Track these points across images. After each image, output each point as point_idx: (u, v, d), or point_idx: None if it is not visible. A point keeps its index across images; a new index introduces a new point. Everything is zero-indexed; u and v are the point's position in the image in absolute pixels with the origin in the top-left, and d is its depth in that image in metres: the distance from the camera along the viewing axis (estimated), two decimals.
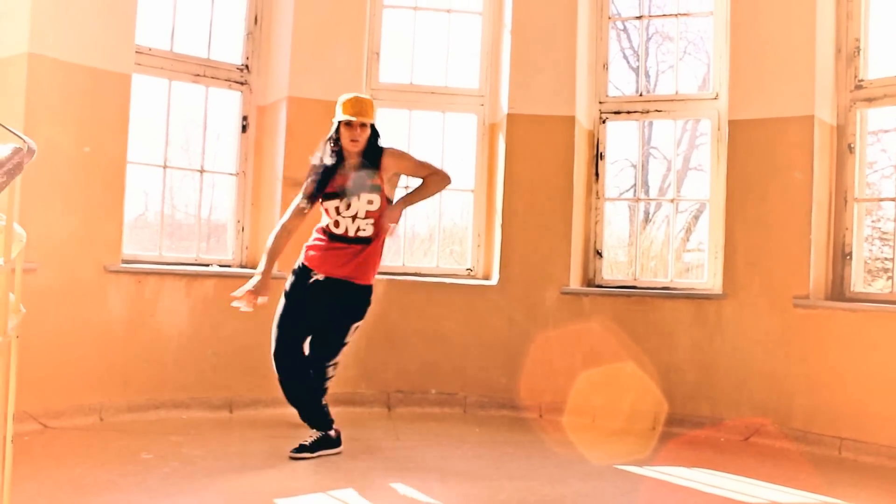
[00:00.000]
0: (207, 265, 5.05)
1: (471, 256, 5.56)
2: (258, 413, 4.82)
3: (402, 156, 4.06)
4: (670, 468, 3.97)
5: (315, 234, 4.07)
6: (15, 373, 2.13)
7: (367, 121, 3.94)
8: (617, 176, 10.77)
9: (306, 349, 4.07)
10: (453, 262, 7.07)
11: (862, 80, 4.74)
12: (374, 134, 4.02)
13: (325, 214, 4.03)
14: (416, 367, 5.19)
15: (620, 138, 6.29)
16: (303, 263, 4.04)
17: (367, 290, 4.03)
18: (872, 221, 9.09)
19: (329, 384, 4.12)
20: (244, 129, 5.26)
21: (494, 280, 5.32)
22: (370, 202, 3.94)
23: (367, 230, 3.96)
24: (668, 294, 5.11)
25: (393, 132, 5.63)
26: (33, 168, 2.34)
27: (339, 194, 3.95)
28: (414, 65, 5.56)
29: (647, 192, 11.36)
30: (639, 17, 5.78)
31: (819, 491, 3.64)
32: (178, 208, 7.20)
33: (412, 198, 4.07)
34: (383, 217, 3.94)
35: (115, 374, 4.49)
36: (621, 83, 12.30)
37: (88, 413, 4.36)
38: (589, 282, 5.41)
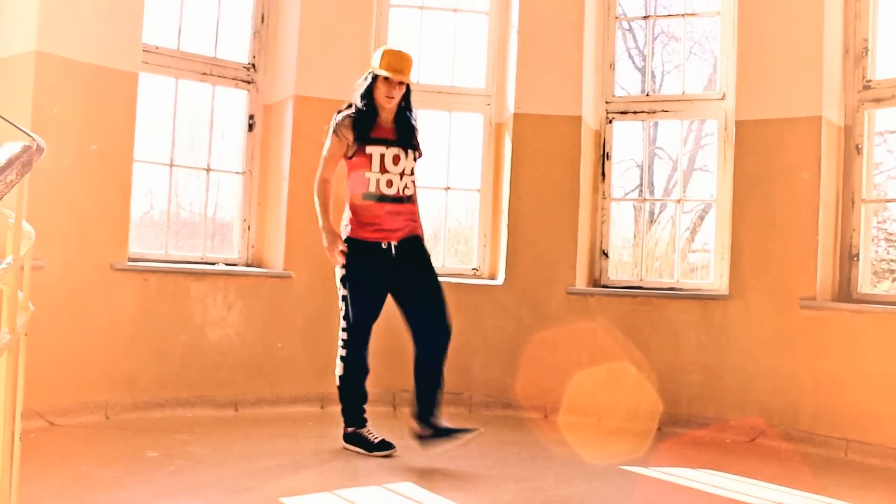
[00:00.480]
0: (213, 263, 5.06)
1: (476, 256, 5.56)
2: (263, 411, 4.82)
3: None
4: (675, 469, 3.97)
5: (355, 205, 3.89)
6: (24, 371, 2.13)
7: (406, 80, 3.82)
8: (622, 176, 10.77)
9: None
10: (458, 261, 7.07)
11: (870, 81, 4.73)
12: (408, 94, 3.93)
13: (364, 169, 3.83)
14: None
15: (626, 138, 6.28)
16: (359, 238, 3.87)
17: (423, 240, 4.03)
18: (878, 222, 9.08)
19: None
20: (251, 127, 5.26)
21: (500, 280, 5.32)
22: (415, 159, 3.94)
23: (410, 189, 3.93)
24: (673, 294, 5.11)
25: None
26: (41, 166, 2.34)
27: (388, 141, 3.86)
28: (420, 64, 5.55)
29: (652, 193, 11.33)
30: (645, 17, 5.77)
31: (825, 493, 3.63)
32: (184, 207, 7.22)
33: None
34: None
35: (121, 372, 4.50)
36: (626, 83, 12.31)
37: (94, 411, 4.37)
38: (595, 282, 5.41)
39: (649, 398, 4.98)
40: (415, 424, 3.89)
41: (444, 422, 3.89)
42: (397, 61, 3.79)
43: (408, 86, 3.87)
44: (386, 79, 3.79)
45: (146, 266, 4.65)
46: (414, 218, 3.96)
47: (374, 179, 3.84)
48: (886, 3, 4.79)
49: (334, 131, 3.91)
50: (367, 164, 3.84)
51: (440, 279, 3.96)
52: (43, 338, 3.95)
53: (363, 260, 3.86)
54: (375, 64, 3.86)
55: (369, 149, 3.83)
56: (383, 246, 3.87)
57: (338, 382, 3.99)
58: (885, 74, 4.71)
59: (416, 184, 4.00)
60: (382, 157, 3.83)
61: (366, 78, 3.91)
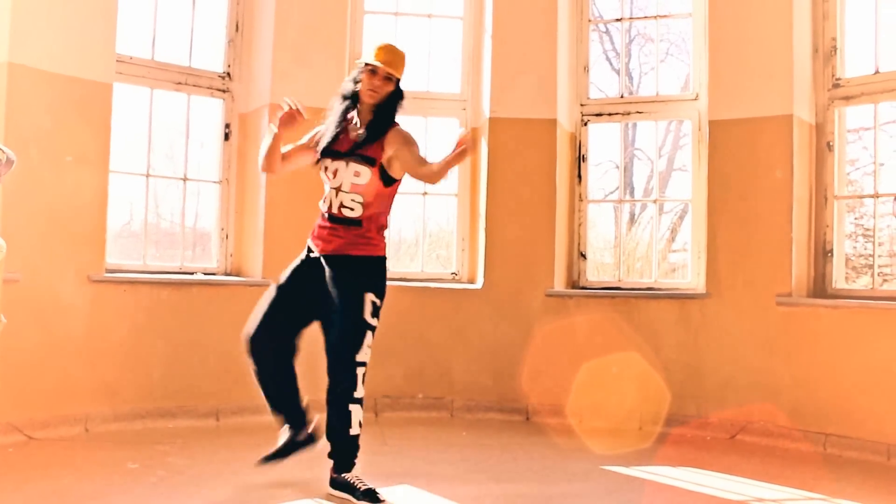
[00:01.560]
0: (192, 273, 5.04)
1: (455, 260, 5.58)
2: (245, 421, 4.80)
3: (407, 140, 3.41)
4: (657, 467, 3.99)
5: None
6: None
7: (394, 74, 3.40)
8: (601, 178, 10.83)
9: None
10: (439, 266, 7.09)
11: (839, 79, 4.79)
12: (398, 95, 3.45)
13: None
14: (403, 372, 5.20)
15: (604, 140, 6.33)
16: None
17: (374, 261, 3.41)
18: (856, 218, 9.17)
19: (358, 394, 3.31)
20: (227, 136, 5.26)
21: (479, 284, 5.33)
22: (357, 174, 3.37)
23: (355, 209, 3.39)
24: (652, 294, 5.14)
25: None
26: (15, 178, 2.34)
27: (332, 153, 3.43)
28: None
29: (631, 194, 11.42)
30: (619, 20, 5.81)
31: (805, 487, 3.67)
32: (164, 217, 7.20)
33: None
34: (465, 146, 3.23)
35: (100, 383, 4.47)
36: (605, 85, 12.40)
37: (73, 423, 4.34)
38: (573, 284, 5.43)
39: (630, 398, 5.01)
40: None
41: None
42: (385, 52, 3.39)
43: (396, 92, 3.45)
44: (371, 71, 3.38)
45: (124, 277, 4.63)
46: (352, 241, 3.40)
47: (324, 194, 3.50)
48: (854, 2, 4.86)
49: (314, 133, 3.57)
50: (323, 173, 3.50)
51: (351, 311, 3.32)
52: (20, 351, 3.93)
53: (296, 261, 3.55)
54: (364, 55, 3.49)
55: (320, 160, 3.49)
56: (310, 253, 3.50)
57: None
58: (854, 73, 4.78)
59: (378, 203, 3.44)
60: (326, 168, 3.46)
61: (354, 73, 3.52)
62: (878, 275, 4.79)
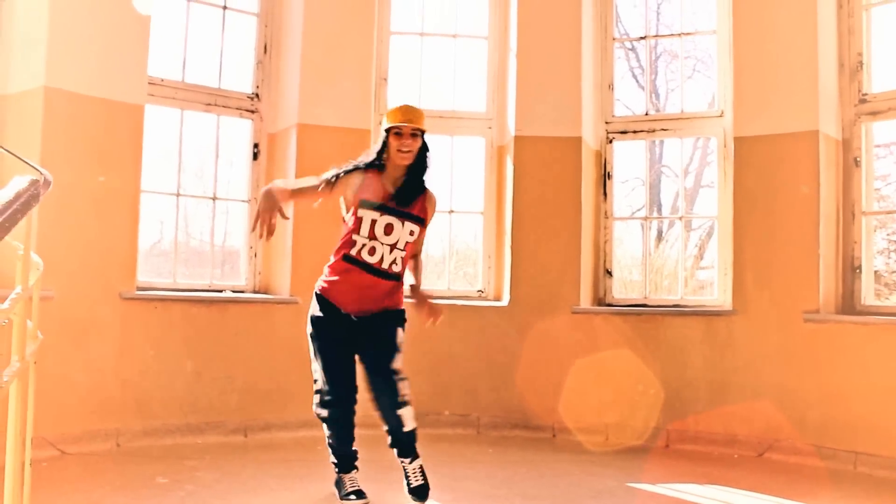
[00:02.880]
0: (221, 291, 5.11)
1: (482, 278, 5.60)
2: (272, 437, 4.85)
3: (434, 206, 3.60)
4: (683, 485, 3.97)
5: (337, 262, 3.48)
6: (33, 398, 2.18)
7: (420, 128, 3.46)
8: (628, 196, 10.80)
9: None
10: (466, 283, 7.11)
11: (866, 94, 4.77)
12: (426, 149, 3.53)
13: (353, 232, 3.42)
14: (429, 389, 5.20)
15: (630, 157, 6.34)
16: (328, 299, 3.48)
17: (402, 311, 3.57)
18: (888, 234, 9.06)
19: (406, 410, 3.41)
20: (255, 156, 5.34)
21: (505, 301, 5.35)
22: (412, 233, 3.46)
23: (399, 266, 3.47)
24: (678, 311, 5.12)
25: None
26: (50, 198, 2.41)
27: (383, 208, 3.41)
28: (422, 89, 5.64)
29: (659, 211, 11.38)
30: (643, 38, 5.84)
31: None
32: (193, 235, 7.29)
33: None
34: (433, 312, 3.51)
35: (131, 399, 4.55)
36: (631, 102, 12.39)
37: (105, 439, 4.41)
38: (599, 301, 5.43)
39: (657, 415, 4.99)
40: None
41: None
42: (404, 111, 3.46)
43: (424, 144, 3.51)
44: (397, 133, 3.44)
45: (154, 295, 4.71)
46: (393, 293, 3.50)
47: (359, 246, 3.42)
48: (879, 18, 4.84)
49: (331, 178, 3.48)
50: (356, 222, 3.43)
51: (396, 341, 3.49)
52: (53, 367, 4.00)
53: (326, 318, 3.49)
54: (384, 123, 3.53)
55: (362, 211, 3.41)
56: (343, 313, 3.47)
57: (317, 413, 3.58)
58: (881, 88, 4.76)
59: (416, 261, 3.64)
60: (374, 222, 3.40)
61: (379, 141, 3.55)
62: None
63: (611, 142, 5.52)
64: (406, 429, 3.42)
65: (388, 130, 3.46)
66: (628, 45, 10.94)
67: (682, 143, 5.88)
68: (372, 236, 3.40)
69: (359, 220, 3.41)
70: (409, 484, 3.45)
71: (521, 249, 5.32)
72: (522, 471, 4.24)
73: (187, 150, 5.23)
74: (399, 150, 3.43)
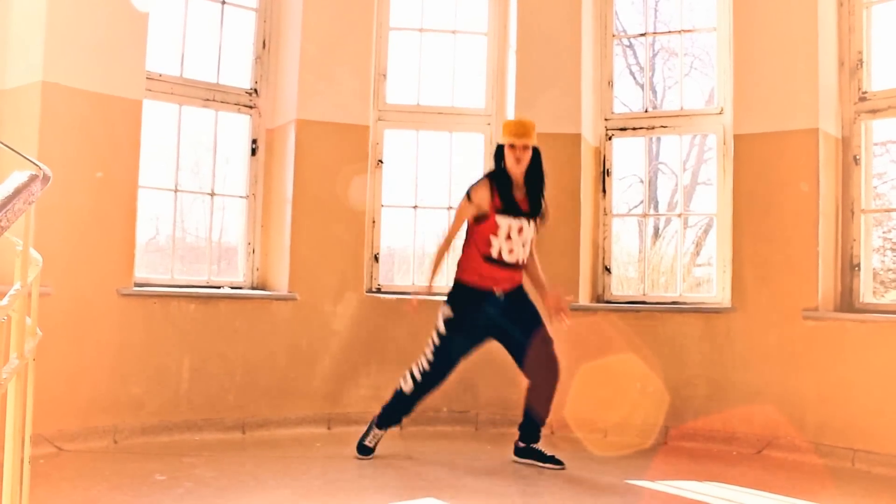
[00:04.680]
0: (219, 287, 5.10)
1: None
2: (271, 433, 4.84)
3: (548, 212, 4.33)
4: (683, 482, 3.97)
5: (474, 258, 4.21)
6: (32, 396, 2.17)
7: (529, 142, 4.16)
8: (625, 192, 10.80)
9: None
10: None
11: (866, 92, 4.77)
12: (537, 156, 4.22)
13: (491, 235, 4.16)
14: None
15: (628, 154, 6.33)
16: (473, 286, 4.21)
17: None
18: (884, 232, 9.07)
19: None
20: (253, 152, 5.32)
21: None
22: (535, 230, 4.26)
23: (524, 256, 4.26)
24: (676, 308, 5.12)
25: (400, 153, 5.69)
26: (48, 194, 2.39)
27: (518, 212, 4.18)
28: (420, 86, 5.62)
29: (656, 208, 11.38)
30: (643, 35, 5.83)
31: (833, 503, 3.63)
32: (189, 231, 7.27)
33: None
34: (561, 313, 4.32)
35: (128, 396, 4.53)
36: (628, 99, 12.39)
37: (102, 436, 4.39)
38: (598, 298, 5.43)
39: (656, 412, 4.98)
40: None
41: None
42: (516, 127, 4.17)
43: (536, 151, 4.20)
44: (511, 146, 4.14)
45: (152, 291, 4.69)
46: (520, 278, 4.30)
47: (497, 247, 4.17)
48: (879, 16, 4.84)
49: (467, 194, 4.22)
50: (495, 230, 4.15)
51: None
52: (51, 363, 3.98)
53: (471, 305, 4.21)
54: (500, 137, 4.26)
55: (500, 218, 4.14)
56: (494, 293, 4.20)
57: (410, 388, 4.27)
58: (880, 86, 4.75)
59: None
60: (510, 226, 4.15)
61: (496, 152, 4.28)
62: None
63: (610, 139, 5.51)
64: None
65: (502, 145, 4.22)
66: (626, 42, 10.94)
67: (681, 140, 5.87)
68: (506, 240, 4.20)
69: (495, 227, 4.17)
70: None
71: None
72: (521, 468, 4.23)
73: (185, 146, 5.20)
74: (515, 159, 4.17)
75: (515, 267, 4.23)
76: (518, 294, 4.28)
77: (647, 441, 4.92)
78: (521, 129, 4.17)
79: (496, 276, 4.20)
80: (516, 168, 4.17)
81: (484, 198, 4.16)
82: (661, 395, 4.97)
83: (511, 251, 4.19)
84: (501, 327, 4.25)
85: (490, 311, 4.21)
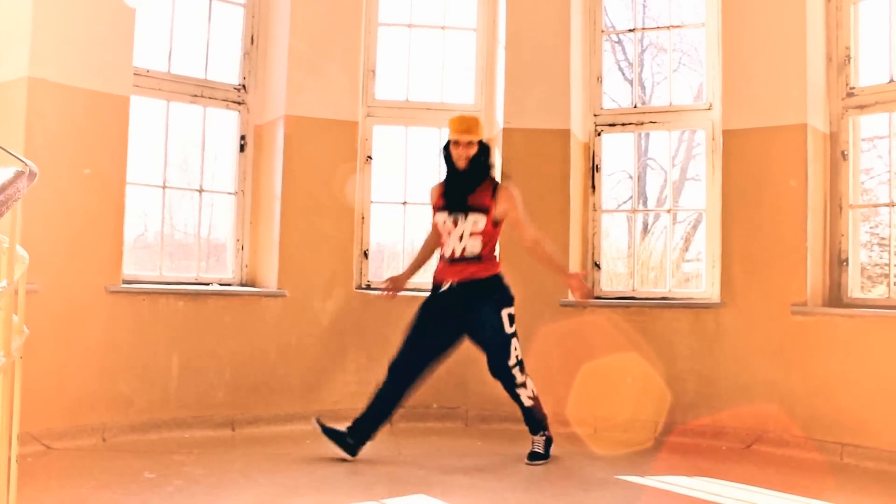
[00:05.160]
0: (207, 284, 5.07)
1: None
2: (260, 430, 4.83)
3: (510, 200, 4.25)
4: (672, 477, 3.99)
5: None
6: (19, 394, 2.15)
7: (473, 138, 4.19)
8: (614, 188, 10.82)
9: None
10: None
11: (853, 88, 4.79)
12: (483, 151, 4.24)
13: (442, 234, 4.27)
14: None
15: (617, 150, 6.34)
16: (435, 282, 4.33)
17: (498, 278, 4.29)
18: (871, 227, 9.12)
19: (528, 393, 4.31)
20: (242, 148, 5.30)
21: None
22: (475, 223, 4.20)
23: (476, 247, 4.22)
24: (666, 304, 5.13)
25: (389, 149, 5.68)
26: (34, 190, 2.37)
27: (447, 208, 4.23)
28: (409, 81, 5.61)
29: (645, 204, 11.41)
30: (632, 30, 5.83)
31: (821, 497, 3.65)
32: (177, 228, 7.24)
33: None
34: (579, 292, 4.34)
35: (116, 394, 4.51)
36: (617, 95, 12.40)
37: (91, 434, 4.37)
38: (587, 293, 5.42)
39: (645, 407, 5.00)
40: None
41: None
42: (459, 123, 4.20)
43: (483, 146, 4.25)
44: (455, 143, 4.20)
45: (140, 288, 4.66)
46: (479, 269, 4.25)
47: (448, 244, 4.27)
48: (867, 12, 4.86)
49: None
50: (438, 228, 4.31)
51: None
52: (38, 361, 3.96)
53: (426, 299, 4.33)
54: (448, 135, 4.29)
55: (435, 217, 4.31)
56: (441, 287, 4.27)
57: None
58: (868, 81, 4.78)
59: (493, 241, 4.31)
60: (445, 222, 4.24)
61: (443, 149, 4.33)
62: (895, 284, 4.76)
63: (599, 134, 5.51)
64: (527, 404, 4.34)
65: (448, 143, 4.25)
66: (615, 38, 10.95)
67: (670, 135, 5.88)
68: (445, 235, 4.28)
69: (435, 225, 4.37)
70: None
71: (510, 242, 5.29)
72: (512, 463, 4.24)
73: (173, 142, 5.18)
74: (457, 157, 4.21)
75: (458, 261, 4.24)
76: (470, 292, 4.26)
77: (637, 436, 4.93)
78: (463, 125, 4.20)
79: (443, 270, 4.30)
80: (460, 163, 4.22)
81: (433, 197, 4.36)
82: (650, 391, 4.98)
83: (445, 244, 4.28)
84: (451, 320, 4.30)
85: (437, 303, 4.29)
